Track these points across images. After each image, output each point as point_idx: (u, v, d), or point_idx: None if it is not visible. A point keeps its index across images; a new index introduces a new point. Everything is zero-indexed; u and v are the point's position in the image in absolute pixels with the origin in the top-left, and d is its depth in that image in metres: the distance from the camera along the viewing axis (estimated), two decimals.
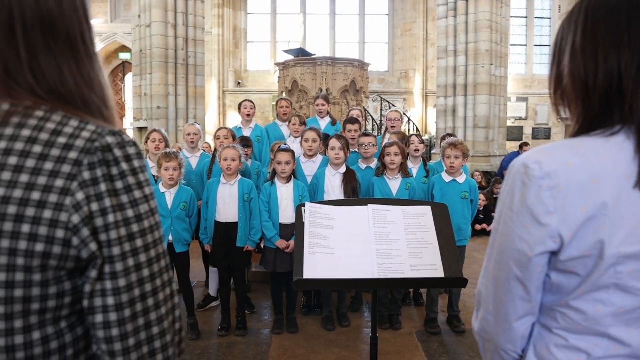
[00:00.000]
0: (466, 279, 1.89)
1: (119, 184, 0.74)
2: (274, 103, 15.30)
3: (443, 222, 2.00)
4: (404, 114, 14.11)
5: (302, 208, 2.04)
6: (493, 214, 7.86)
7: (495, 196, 8.16)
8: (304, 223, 1.96)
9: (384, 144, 5.09)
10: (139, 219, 0.76)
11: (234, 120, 15.72)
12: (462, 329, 4.04)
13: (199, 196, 4.43)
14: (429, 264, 1.89)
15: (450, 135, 5.22)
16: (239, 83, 16.00)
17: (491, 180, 9.14)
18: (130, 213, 0.75)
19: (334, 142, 4.03)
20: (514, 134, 15.46)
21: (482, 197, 7.61)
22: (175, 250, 3.84)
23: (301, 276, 1.81)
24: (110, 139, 0.74)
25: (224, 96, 15.97)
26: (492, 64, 10.01)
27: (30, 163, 0.70)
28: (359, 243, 1.94)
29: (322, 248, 1.91)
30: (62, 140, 0.72)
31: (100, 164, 0.72)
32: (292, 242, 3.92)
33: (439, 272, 1.87)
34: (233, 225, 3.91)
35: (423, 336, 3.96)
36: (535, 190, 0.85)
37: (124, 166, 0.75)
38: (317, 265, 1.86)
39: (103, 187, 0.72)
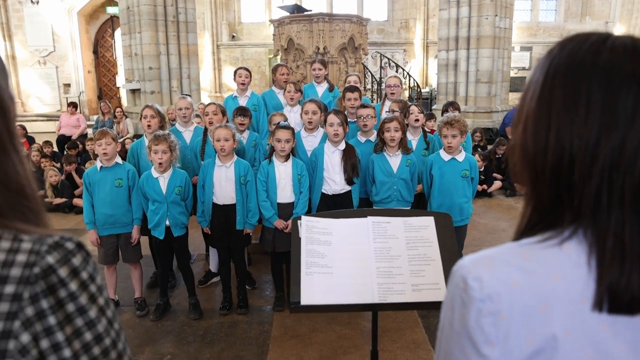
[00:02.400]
0: None
1: (71, 307, 0.65)
2: (270, 56, 14.91)
3: (446, 233, 1.89)
4: (404, 67, 13.78)
5: (299, 222, 1.94)
6: (494, 175, 7.80)
7: (498, 156, 8.06)
8: (300, 238, 1.88)
9: (382, 113, 4.95)
10: (99, 339, 0.68)
11: (229, 75, 15.37)
12: None
13: (195, 171, 4.33)
14: (431, 282, 1.81)
15: (451, 104, 5.05)
16: (233, 36, 15.52)
17: (493, 139, 9.02)
18: (88, 336, 0.67)
19: (332, 118, 3.87)
20: (517, 85, 15.12)
21: (477, 158, 7.48)
22: (173, 234, 3.79)
23: (298, 300, 1.75)
24: (51, 259, 0.65)
25: (218, 50, 15.54)
26: (496, 15, 9.64)
27: None
28: (358, 260, 1.85)
29: (320, 267, 1.82)
30: None
31: (45, 293, 0.63)
32: (290, 222, 3.86)
33: (441, 292, 1.78)
34: (231, 207, 3.84)
35: (423, 312, 3.96)
36: (475, 314, 0.71)
37: (73, 286, 0.66)
38: (314, 288, 1.78)
39: (52, 320, 0.63)
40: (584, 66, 0.71)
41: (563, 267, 0.70)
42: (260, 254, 5.13)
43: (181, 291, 4.31)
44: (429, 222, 1.92)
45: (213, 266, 4.59)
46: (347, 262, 1.86)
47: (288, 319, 3.87)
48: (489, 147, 8.69)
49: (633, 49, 0.70)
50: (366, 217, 1.93)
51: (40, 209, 0.74)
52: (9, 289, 0.62)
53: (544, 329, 0.69)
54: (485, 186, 7.46)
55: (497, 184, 7.73)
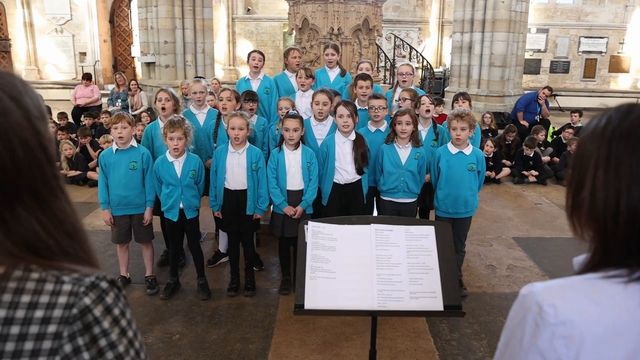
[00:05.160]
0: (464, 312, 1.91)
1: (103, 342, 0.74)
2: (285, 31, 14.80)
3: (445, 243, 1.98)
4: (417, 49, 13.62)
5: (305, 227, 2.04)
6: (503, 161, 7.81)
7: (507, 142, 8.06)
8: (306, 243, 1.98)
9: (393, 102, 4.98)
10: None
11: (243, 48, 15.31)
12: (463, 293, 4.12)
13: (208, 153, 4.43)
14: (428, 290, 1.91)
15: (462, 94, 5.06)
16: (248, 10, 15.39)
17: (504, 124, 8.97)
18: None
19: (341, 110, 3.93)
20: (532, 67, 14.92)
21: (490, 143, 7.50)
22: (186, 216, 3.91)
23: (302, 304, 1.86)
24: (87, 300, 0.73)
25: (233, 24, 15.44)
26: None
27: (10, 346, 0.69)
28: (360, 267, 1.95)
29: (324, 272, 1.93)
30: (39, 314, 0.71)
31: (81, 332, 0.72)
32: (299, 209, 3.97)
33: (438, 301, 1.88)
34: (242, 193, 3.95)
35: None
36: (548, 336, 0.82)
37: (105, 323, 0.74)
38: (318, 292, 1.89)
39: (86, 355, 0.72)
40: None
41: (628, 302, 0.80)
42: (268, 235, 5.26)
43: (191, 270, 4.44)
44: (429, 231, 2.02)
45: (222, 247, 4.72)
46: (350, 268, 1.96)
47: (293, 303, 3.97)
48: (499, 131, 8.67)
49: None
50: (370, 224, 2.02)
51: (88, 243, 0.81)
52: (52, 328, 0.71)
53: (610, 354, 0.80)
54: (493, 173, 7.49)
55: (506, 170, 7.75)
